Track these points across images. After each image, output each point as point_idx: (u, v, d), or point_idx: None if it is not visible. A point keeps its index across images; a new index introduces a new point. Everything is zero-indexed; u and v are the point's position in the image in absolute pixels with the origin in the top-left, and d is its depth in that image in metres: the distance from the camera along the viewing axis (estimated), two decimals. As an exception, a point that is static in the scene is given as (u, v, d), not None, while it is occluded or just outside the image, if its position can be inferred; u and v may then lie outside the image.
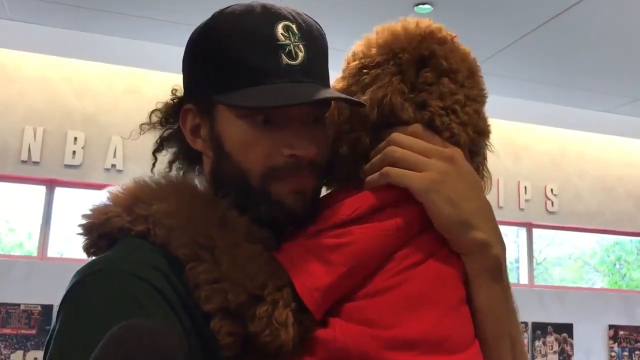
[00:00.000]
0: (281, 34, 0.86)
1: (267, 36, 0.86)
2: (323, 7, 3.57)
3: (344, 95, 0.88)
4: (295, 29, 0.87)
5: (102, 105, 4.61)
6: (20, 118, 4.44)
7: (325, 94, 0.87)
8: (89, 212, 0.87)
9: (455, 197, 0.86)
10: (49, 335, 0.78)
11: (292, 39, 0.86)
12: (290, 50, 0.86)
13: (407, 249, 0.85)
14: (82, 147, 4.50)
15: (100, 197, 0.88)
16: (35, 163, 4.41)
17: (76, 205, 4.68)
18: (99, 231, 0.86)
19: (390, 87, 0.89)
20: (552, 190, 5.68)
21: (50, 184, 4.50)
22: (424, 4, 3.60)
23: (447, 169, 0.87)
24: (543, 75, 4.57)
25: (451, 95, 0.89)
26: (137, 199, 0.85)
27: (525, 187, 5.59)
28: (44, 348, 0.78)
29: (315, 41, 0.90)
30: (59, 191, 4.55)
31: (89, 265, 0.81)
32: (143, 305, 0.74)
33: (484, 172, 0.99)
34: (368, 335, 0.78)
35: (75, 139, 4.50)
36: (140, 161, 4.32)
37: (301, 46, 0.87)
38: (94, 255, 0.87)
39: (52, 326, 0.78)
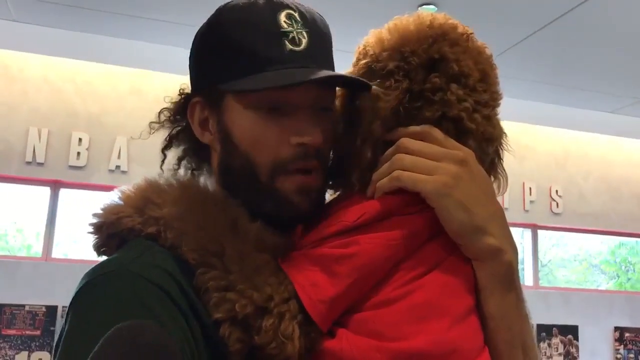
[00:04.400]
0: (284, 21, 0.86)
1: (271, 24, 0.86)
2: (326, 8, 3.56)
3: (349, 75, 0.87)
4: (297, 16, 0.88)
5: (106, 107, 4.61)
6: (24, 119, 4.44)
7: (328, 73, 0.86)
8: (100, 212, 0.87)
9: (468, 202, 0.84)
10: (58, 336, 0.78)
11: (295, 26, 0.87)
12: (293, 37, 0.86)
13: (414, 259, 0.83)
14: (87, 148, 4.50)
15: (111, 197, 0.87)
16: (40, 164, 4.41)
17: (81, 207, 4.68)
18: (109, 231, 0.86)
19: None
20: (557, 191, 5.66)
21: (55, 185, 4.50)
22: (428, 4, 3.59)
23: (459, 173, 0.84)
24: (547, 76, 4.55)
25: (458, 103, 0.87)
26: (148, 200, 0.85)
27: (530, 189, 5.57)
28: (51, 349, 0.78)
29: (318, 29, 0.90)
30: (63, 192, 4.55)
31: (100, 266, 0.80)
32: (152, 309, 0.74)
33: (499, 171, 0.97)
34: (375, 348, 0.77)
35: (80, 140, 4.50)
36: (145, 162, 4.32)
37: (304, 33, 0.87)
38: (105, 255, 0.87)
39: (61, 326, 0.78)
